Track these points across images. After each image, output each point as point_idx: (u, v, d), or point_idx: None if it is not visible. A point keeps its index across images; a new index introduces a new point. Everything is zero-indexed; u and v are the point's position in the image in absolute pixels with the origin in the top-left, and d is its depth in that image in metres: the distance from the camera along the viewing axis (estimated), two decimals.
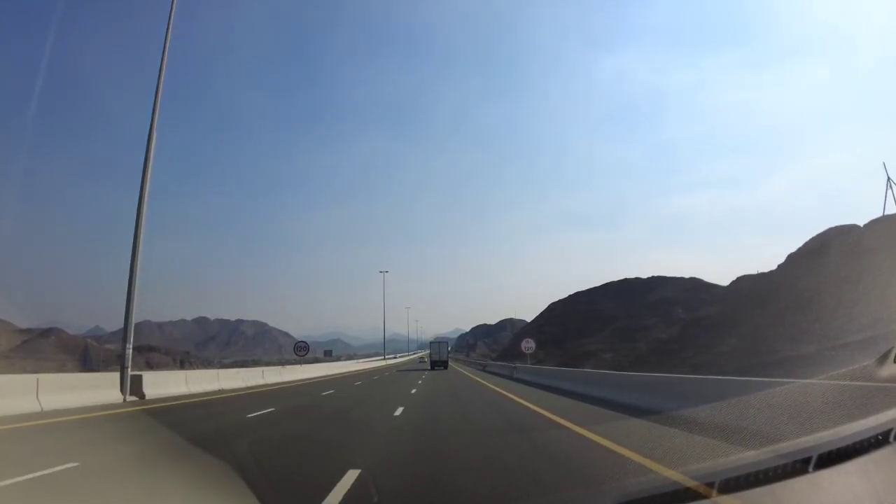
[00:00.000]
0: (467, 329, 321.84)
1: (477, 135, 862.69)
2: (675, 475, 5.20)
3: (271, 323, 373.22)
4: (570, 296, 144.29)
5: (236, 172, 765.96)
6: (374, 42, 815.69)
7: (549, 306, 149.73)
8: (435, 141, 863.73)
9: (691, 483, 4.32)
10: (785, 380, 8.69)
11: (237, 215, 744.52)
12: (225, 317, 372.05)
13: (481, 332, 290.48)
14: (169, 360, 78.58)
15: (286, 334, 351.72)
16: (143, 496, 5.40)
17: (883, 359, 4.75)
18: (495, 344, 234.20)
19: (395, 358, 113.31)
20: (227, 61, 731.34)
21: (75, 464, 6.63)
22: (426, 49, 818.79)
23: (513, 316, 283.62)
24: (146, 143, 18.43)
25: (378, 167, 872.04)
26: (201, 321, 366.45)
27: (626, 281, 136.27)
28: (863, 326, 33.93)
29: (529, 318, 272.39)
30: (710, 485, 3.84)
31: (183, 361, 73.92)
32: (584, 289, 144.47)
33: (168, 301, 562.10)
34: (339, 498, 5.03)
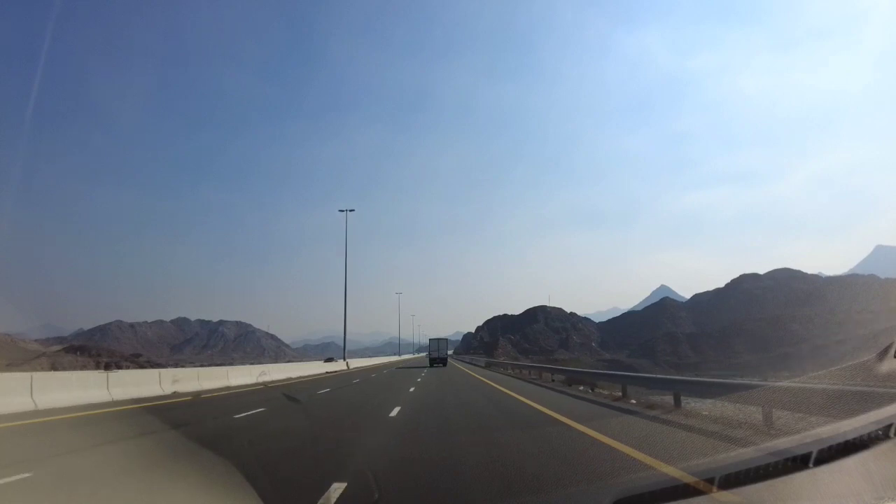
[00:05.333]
0: (469, 330, 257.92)
1: (479, 126, 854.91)
2: (675, 471, 5.21)
3: (256, 325, 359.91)
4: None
5: (231, 167, 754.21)
6: (374, 26, 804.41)
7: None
8: (438, 133, 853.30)
9: (691, 479, 4.33)
10: (780, 382, 8.85)
11: (230, 214, 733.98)
12: (207, 318, 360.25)
13: (501, 324, 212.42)
14: (91, 362, 70.02)
15: (272, 337, 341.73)
16: None
17: (883, 354, 4.81)
18: (525, 340, 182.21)
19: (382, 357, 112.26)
20: (218, 50, 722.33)
21: None
22: (430, 30, 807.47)
23: (545, 303, 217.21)
24: None
25: (376, 162, 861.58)
26: (181, 322, 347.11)
27: None
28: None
29: (568, 307, 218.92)
30: (710, 480, 3.86)
31: (109, 364, 62.34)
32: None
33: (152, 301, 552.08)
34: None
